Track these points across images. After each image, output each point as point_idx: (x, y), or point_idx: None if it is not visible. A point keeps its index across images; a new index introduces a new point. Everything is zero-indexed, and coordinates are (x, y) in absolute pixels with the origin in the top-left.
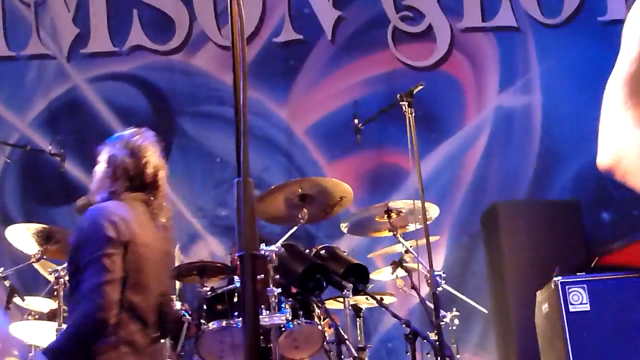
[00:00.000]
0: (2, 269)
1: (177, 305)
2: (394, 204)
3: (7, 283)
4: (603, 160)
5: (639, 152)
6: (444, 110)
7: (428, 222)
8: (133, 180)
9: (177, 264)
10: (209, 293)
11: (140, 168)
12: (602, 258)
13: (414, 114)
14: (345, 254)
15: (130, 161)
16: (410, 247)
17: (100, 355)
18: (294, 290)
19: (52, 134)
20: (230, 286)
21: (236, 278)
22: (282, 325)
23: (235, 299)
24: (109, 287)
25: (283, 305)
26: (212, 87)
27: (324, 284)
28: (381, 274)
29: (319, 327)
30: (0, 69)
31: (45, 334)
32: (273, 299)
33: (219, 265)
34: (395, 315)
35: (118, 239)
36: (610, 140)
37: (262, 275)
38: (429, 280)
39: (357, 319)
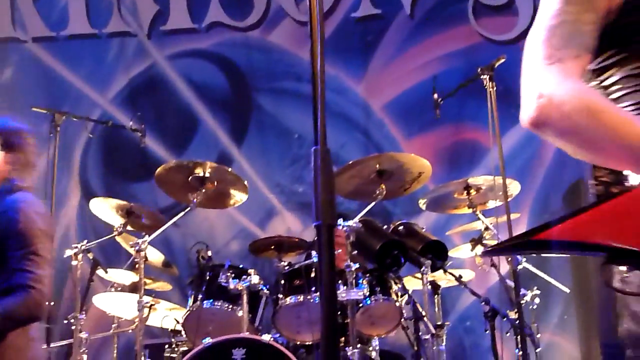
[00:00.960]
0: (85, 241)
1: (255, 279)
2: (473, 180)
3: (90, 255)
4: (528, 114)
5: (573, 102)
6: None
7: (509, 199)
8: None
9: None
10: (286, 268)
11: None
12: None
13: (495, 88)
14: (424, 230)
15: (32, 152)
16: (490, 224)
17: (13, 338)
18: (371, 266)
19: (132, 110)
20: (308, 261)
21: (314, 253)
22: (359, 301)
23: (313, 275)
24: (48, 279)
25: (360, 281)
26: (290, 63)
27: (402, 261)
28: (460, 252)
29: (397, 303)
30: (83, 46)
31: (127, 305)
32: (350, 275)
33: (295, 240)
34: (474, 293)
35: (49, 232)
36: (536, 93)
37: (340, 250)
38: (509, 258)
39: (435, 296)
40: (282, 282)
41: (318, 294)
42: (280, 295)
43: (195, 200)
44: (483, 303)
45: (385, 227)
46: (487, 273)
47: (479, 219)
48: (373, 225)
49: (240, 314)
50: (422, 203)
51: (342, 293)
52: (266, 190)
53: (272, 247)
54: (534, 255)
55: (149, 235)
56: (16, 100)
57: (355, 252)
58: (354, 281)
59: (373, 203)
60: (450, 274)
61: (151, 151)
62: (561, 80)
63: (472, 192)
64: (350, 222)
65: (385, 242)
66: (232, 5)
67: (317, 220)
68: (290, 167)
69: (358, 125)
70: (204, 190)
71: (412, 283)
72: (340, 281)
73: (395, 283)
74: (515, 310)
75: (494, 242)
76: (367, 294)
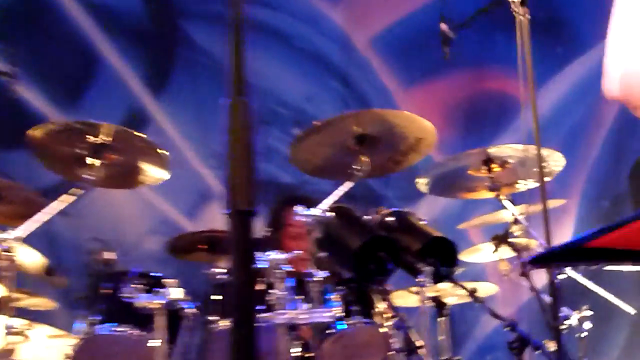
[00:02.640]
0: None
1: (177, 292)
2: (497, 150)
3: None
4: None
5: None
6: (576, 12)
7: (548, 179)
8: None
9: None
10: (222, 277)
11: None
12: None
13: (529, 17)
14: (424, 223)
15: None
16: (521, 215)
17: None
18: (346, 274)
19: None
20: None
21: (267, 255)
22: (327, 326)
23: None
24: None
25: (330, 297)
26: None
27: (391, 267)
28: (477, 254)
29: (382, 329)
30: None
31: None
32: (315, 287)
33: None
34: (495, 315)
35: None
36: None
37: (300, 251)
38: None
39: (440, 319)
40: (217, 297)
41: (271, 314)
42: (214, 317)
43: (90, 177)
44: (508, 328)
45: (368, 217)
46: (517, 285)
47: (504, 207)
48: (350, 215)
49: (153, 343)
50: (422, 183)
51: (303, 314)
52: (197, 163)
53: (204, 246)
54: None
55: (22, 229)
56: None
57: (323, 253)
58: (319, 297)
59: (352, 183)
60: (461, 286)
61: (27, 105)
62: None
63: (495, 167)
64: (315, 210)
65: (367, 239)
66: None
67: (227, 208)
68: None
69: (333, 69)
70: (104, 163)
71: (406, 299)
72: (301, 297)
73: (382, 299)
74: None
75: (526, 242)
76: (341, 315)
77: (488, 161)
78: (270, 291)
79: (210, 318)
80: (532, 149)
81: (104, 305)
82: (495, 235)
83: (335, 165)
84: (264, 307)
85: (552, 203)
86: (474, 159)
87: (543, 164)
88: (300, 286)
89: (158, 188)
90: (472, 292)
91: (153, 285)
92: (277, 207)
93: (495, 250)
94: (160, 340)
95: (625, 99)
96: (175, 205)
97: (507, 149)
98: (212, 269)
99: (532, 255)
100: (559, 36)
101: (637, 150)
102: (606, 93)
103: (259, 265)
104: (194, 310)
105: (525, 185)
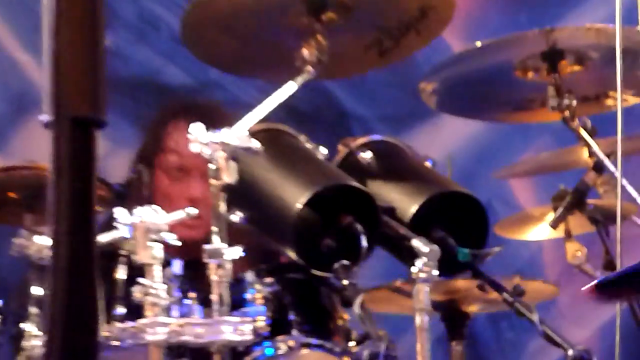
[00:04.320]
0: None
1: None
2: (569, 34)
3: None
4: None
5: None
6: None
7: None
8: None
9: None
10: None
11: None
12: None
13: None
14: (428, 166)
15: None
16: (609, 157)
17: None
18: (281, 256)
19: None
20: (108, 237)
21: (121, 216)
22: (245, 350)
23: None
24: None
25: (249, 297)
26: None
27: (365, 244)
28: (526, 227)
29: (345, 357)
30: None
31: None
32: (221, 278)
33: None
34: (553, 339)
35: None
36: None
37: (192, 212)
38: None
39: (454, 343)
40: (37, 291)
41: (137, 324)
42: (31, 330)
43: None
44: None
45: (324, 152)
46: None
47: (579, 140)
48: (292, 147)
49: None
50: (428, 92)
51: (198, 326)
52: (17, 49)
53: (15, 194)
54: None
55: None
56: None
57: (238, 215)
58: (229, 295)
59: (294, 86)
60: (493, 284)
61: None
62: None
63: (566, 66)
64: (225, 134)
65: (322, 192)
66: None
67: (52, 111)
68: None
69: None
70: None
71: (390, 304)
72: (194, 294)
73: (345, 304)
74: None
75: (617, 207)
76: (268, 330)
77: (552, 54)
78: (137, 284)
79: (24, 329)
80: (634, 33)
81: None
82: (560, 192)
83: (266, 54)
84: (123, 313)
85: None
86: (526, 49)
87: None
88: (195, 275)
89: None
90: (512, 296)
91: None
92: (154, 125)
93: (559, 220)
94: None
95: None
96: None
97: (587, 33)
98: (28, 238)
99: (601, 277)
100: None
101: None
102: None
103: (112, 234)
104: None
105: (619, 101)
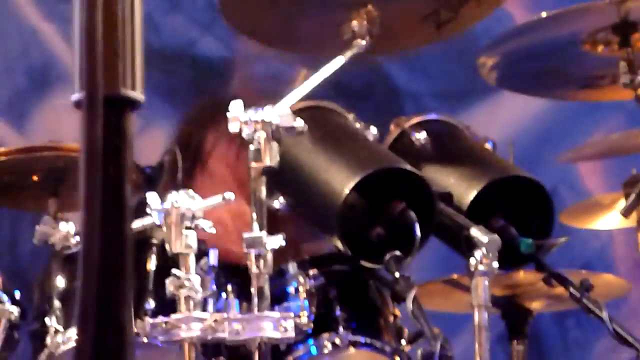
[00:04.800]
0: None
1: None
2: None
3: None
4: None
5: None
6: None
7: None
8: None
9: None
10: (74, 243)
11: None
12: None
13: None
14: (488, 148)
15: None
16: None
17: None
18: (328, 247)
19: None
20: (141, 223)
21: (154, 202)
22: (287, 348)
23: (152, 263)
24: None
25: (292, 291)
26: None
27: (419, 234)
28: (596, 216)
29: (397, 357)
30: None
31: None
32: (262, 271)
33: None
34: (625, 339)
35: None
36: None
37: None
38: None
39: (516, 343)
40: (61, 284)
41: (170, 320)
42: (55, 325)
43: None
44: None
45: (374, 133)
46: None
47: None
48: (340, 127)
49: None
50: (488, 68)
51: (236, 322)
52: (36, 18)
53: (37, 177)
54: None
55: None
56: None
57: (280, 202)
58: (270, 290)
59: (341, 60)
60: (559, 278)
61: None
62: None
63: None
64: (267, 112)
65: (371, 176)
66: None
67: (83, 89)
68: None
69: None
70: None
71: (445, 300)
72: (233, 288)
73: (397, 299)
74: None
75: None
76: (312, 327)
77: (624, 26)
78: (170, 275)
79: (49, 325)
80: None
81: None
82: (632, 177)
83: (311, 26)
84: (153, 307)
85: None
86: (596, 20)
87: None
88: (233, 266)
89: None
90: (580, 291)
91: None
92: (197, 109)
93: (631, 208)
94: None
95: None
96: None
97: None
98: (52, 226)
99: None
100: None
101: None
102: None
103: (142, 222)
104: (16, 311)
105: None
